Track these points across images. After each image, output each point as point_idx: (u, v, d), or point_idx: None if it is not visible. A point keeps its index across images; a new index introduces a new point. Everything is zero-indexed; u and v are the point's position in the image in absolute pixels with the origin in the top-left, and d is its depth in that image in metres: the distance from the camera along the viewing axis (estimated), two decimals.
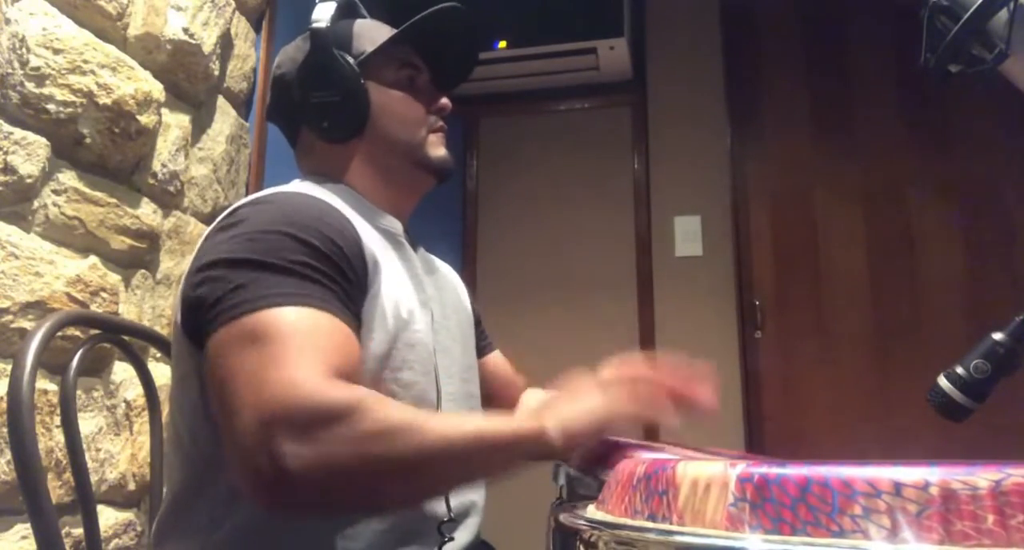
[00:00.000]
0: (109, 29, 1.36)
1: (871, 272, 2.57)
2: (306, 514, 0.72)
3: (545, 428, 0.74)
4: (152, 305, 1.47)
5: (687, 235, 2.72)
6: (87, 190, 1.30)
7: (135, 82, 1.37)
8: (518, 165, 2.97)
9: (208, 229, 0.87)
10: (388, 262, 0.89)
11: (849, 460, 0.50)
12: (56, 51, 1.22)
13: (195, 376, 0.82)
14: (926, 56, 0.83)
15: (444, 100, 1.03)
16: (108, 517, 1.32)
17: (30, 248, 1.19)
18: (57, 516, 0.87)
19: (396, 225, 0.99)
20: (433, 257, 1.11)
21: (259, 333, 0.70)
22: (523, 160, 2.97)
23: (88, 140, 1.29)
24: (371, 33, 1.00)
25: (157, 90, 1.44)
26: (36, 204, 1.22)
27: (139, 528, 1.38)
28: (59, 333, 0.95)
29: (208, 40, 1.59)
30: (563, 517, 0.57)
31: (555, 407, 0.78)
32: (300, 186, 0.94)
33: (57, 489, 1.19)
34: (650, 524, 0.50)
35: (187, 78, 1.56)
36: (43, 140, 1.21)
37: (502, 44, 2.63)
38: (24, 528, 1.13)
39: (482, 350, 1.16)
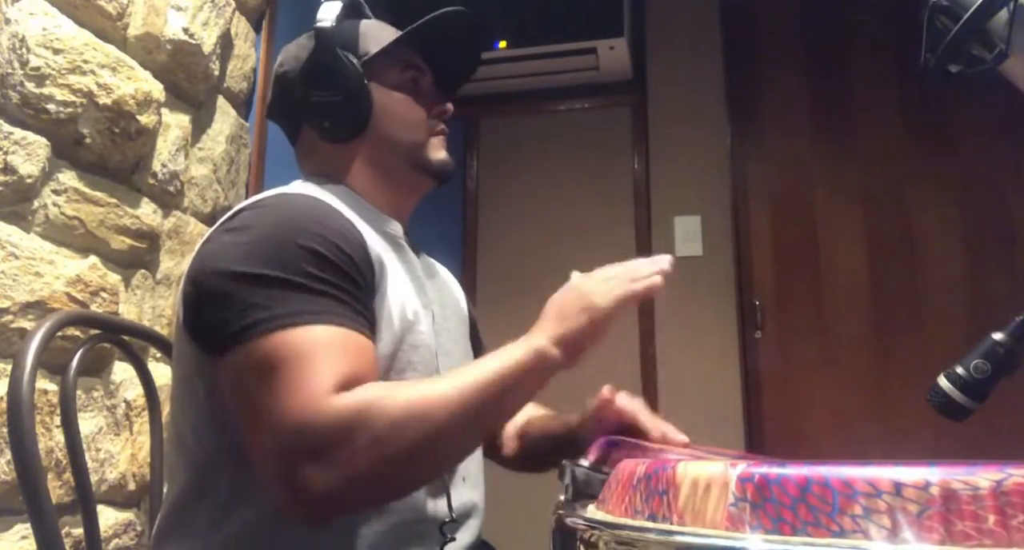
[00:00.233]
0: (109, 29, 1.36)
1: (871, 272, 2.57)
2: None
3: (543, 348, 0.77)
4: (152, 305, 1.47)
5: (687, 235, 2.72)
6: (87, 190, 1.30)
7: (135, 82, 1.37)
8: (518, 165, 2.97)
9: (210, 230, 0.87)
10: (392, 264, 0.90)
11: (849, 460, 0.50)
12: (56, 51, 1.22)
13: (197, 376, 0.82)
14: (926, 56, 0.83)
15: (447, 104, 1.03)
16: (108, 517, 1.32)
17: (30, 248, 1.19)
18: (57, 516, 0.87)
19: (397, 227, 0.99)
20: (432, 260, 1.11)
21: (268, 360, 0.72)
22: (523, 160, 2.97)
23: (88, 140, 1.29)
24: (376, 34, 1.00)
25: (157, 90, 1.44)
26: (36, 204, 1.21)
27: (139, 528, 1.38)
28: (59, 333, 0.95)
29: (208, 40, 1.59)
30: (563, 517, 0.57)
31: (545, 322, 0.81)
32: (301, 188, 0.94)
33: (57, 489, 1.19)
34: (650, 524, 0.50)
35: (187, 78, 1.56)
36: (43, 140, 1.21)
37: (502, 44, 2.63)
38: (24, 528, 1.13)
39: (477, 353, 1.16)
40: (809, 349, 2.56)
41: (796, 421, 2.51)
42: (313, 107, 0.97)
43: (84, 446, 1.03)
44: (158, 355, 1.40)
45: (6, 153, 1.15)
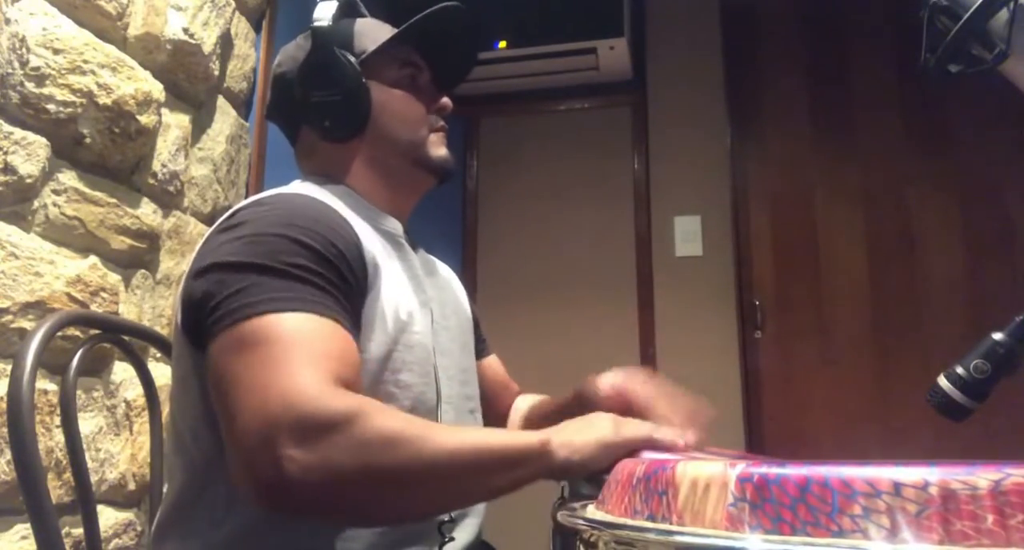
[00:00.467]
0: (109, 29, 1.36)
1: (871, 272, 2.57)
2: (305, 518, 0.73)
3: (549, 443, 0.73)
4: (152, 305, 1.47)
5: (687, 235, 2.72)
6: (87, 190, 1.30)
7: (135, 82, 1.37)
8: (518, 165, 2.97)
9: (209, 231, 0.87)
10: (388, 264, 0.89)
11: (849, 460, 0.50)
12: (56, 51, 1.22)
13: (195, 377, 0.82)
14: (926, 56, 0.83)
15: (445, 99, 1.03)
16: (108, 517, 1.32)
17: (30, 248, 1.19)
18: (57, 516, 0.87)
19: (396, 226, 0.99)
20: (433, 258, 1.11)
21: (260, 338, 0.70)
22: (523, 160, 2.97)
23: (88, 140, 1.29)
24: (372, 32, 1.00)
25: (157, 90, 1.44)
26: (36, 204, 1.22)
27: (139, 528, 1.38)
28: (59, 333, 0.94)
29: (208, 40, 1.59)
30: (563, 517, 0.57)
31: (563, 427, 0.77)
32: (300, 187, 0.94)
33: (57, 489, 1.19)
34: (650, 524, 0.50)
35: (187, 78, 1.56)
36: (43, 140, 1.21)
37: (502, 44, 2.63)
38: (24, 528, 1.13)
39: (479, 353, 1.16)
40: (809, 349, 2.56)
41: (796, 421, 2.51)
42: (312, 107, 0.97)
43: (84, 446, 1.03)
44: (158, 355, 1.40)
45: (6, 153, 1.15)
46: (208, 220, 1.65)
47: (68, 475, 1.16)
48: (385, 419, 0.68)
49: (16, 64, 1.18)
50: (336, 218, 0.85)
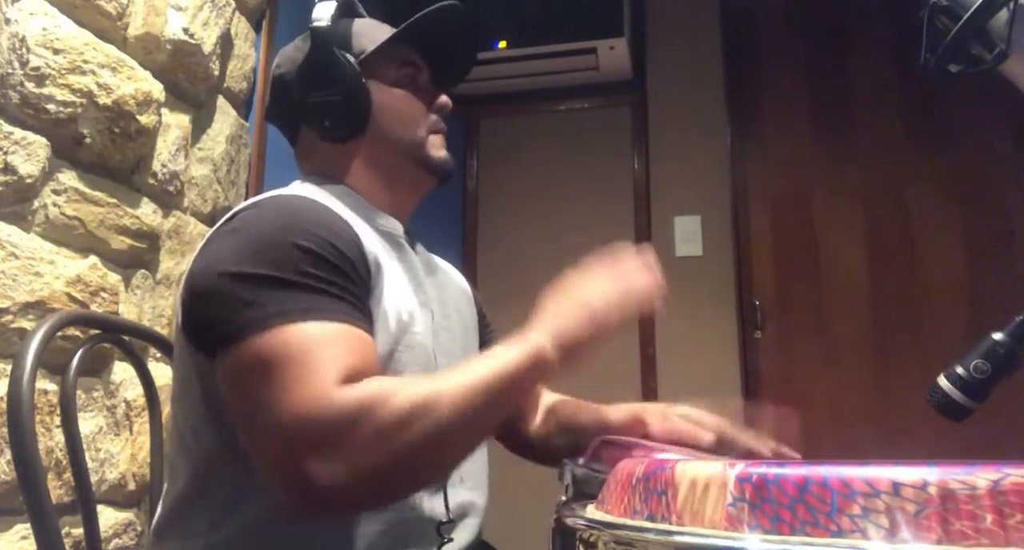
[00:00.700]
0: (109, 29, 1.36)
1: (871, 272, 2.57)
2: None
3: (543, 351, 0.77)
4: (152, 305, 1.47)
5: (687, 235, 2.72)
6: (87, 190, 1.30)
7: (135, 82, 1.37)
8: (518, 165, 2.97)
9: (209, 232, 0.87)
10: (389, 264, 0.89)
11: (848, 460, 0.50)
12: (56, 51, 1.22)
13: (197, 377, 0.82)
14: (926, 56, 0.83)
15: (445, 99, 1.03)
16: (108, 517, 1.32)
17: (30, 248, 1.19)
18: (57, 516, 0.87)
19: (396, 226, 0.99)
20: (434, 256, 1.11)
21: (268, 356, 0.72)
22: (523, 160, 2.97)
23: (88, 140, 1.29)
24: (371, 32, 1.00)
25: (157, 90, 1.44)
26: (36, 204, 1.22)
27: (139, 528, 1.38)
28: (59, 333, 0.95)
29: (208, 40, 1.60)
30: (563, 517, 0.57)
31: (545, 323, 0.80)
32: (300, 188, 0.94)
33: (57, 489, 1.19)
34: (649, 524, 0.50)
35: (187, 78, 1.56)
36: (43, 140, 1.21)
37: (502, 44, 2.63)
38: (24, 528, 1.13)
39: (485, 344, 1.16)
40: (809, 349, 2.56)
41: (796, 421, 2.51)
42: (312, 107, 0.97)
43: (84, 446, 1.03)
44: (158, 355, 1.40)
45: (6, 153, 1.15)
46: (208, 220, 1.65)
47: (68, 475, 1.16)
48: (393, 398, 0.70)
49: (16, 64, 1.18)
50: (336, 219, 0.85)
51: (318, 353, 0.71)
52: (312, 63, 0.96)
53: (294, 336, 0.72)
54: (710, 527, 0.46)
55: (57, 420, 1.17)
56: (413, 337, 0.88)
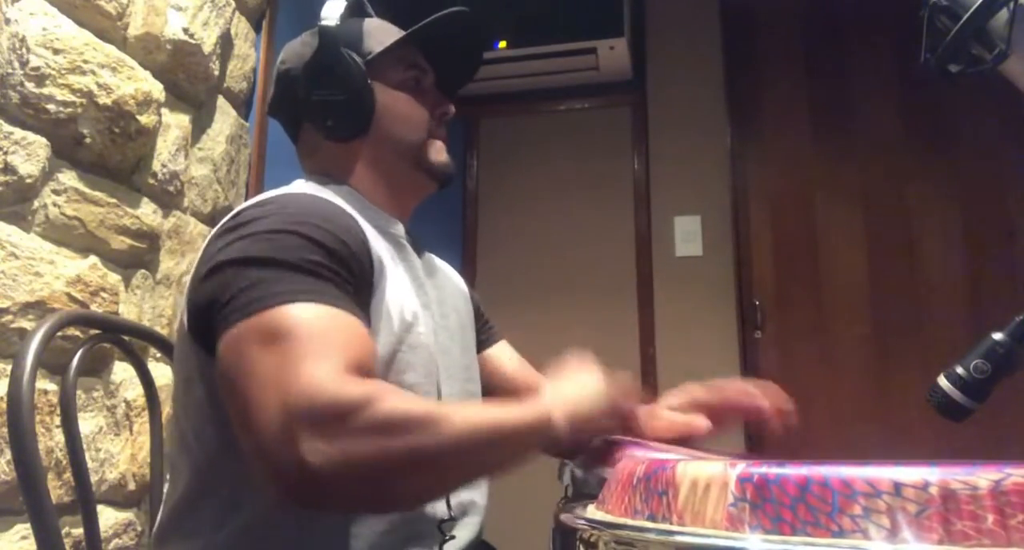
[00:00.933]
0: (109, 29, 1.36)
1: (871, 272, 2.57)
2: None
3: (551, 415, 0.75)
4: (152, 305, 1.47)
5: (687, 235, 2.72)
6: (87, 190, 1.30)
7: (135, 82, 1.37)
8: (518, 165, 2.97)
9: (213, 232, 0.87)
10: (391, 264, 0.90)
11: (849, 460, 0.50)
12: (56, 51, 1.22)
13: (200, 378, 0.82)
14: (926, 56, 0.83)
15: (449, 105, 1.03)
16: (108, 517, 1.32)
17: (30, 248, 1.19)
18: (57, 516, 0.87)
19: (398, 227, 0.99)
20: (433, 256, 1.11)
21: (275, 330, 0.70)
22: (523, 160, 2.97)
23: (88, 140, 1.29)
24: (379, 33, 1.00)
25: (157, 90, 1.44)
26: (36, 204, 1.22)
27: (139, 528, 1.38)
28: (59, 333, 0.94)
29: (208, 40, 1.59)
30: (563, 517, 0.57)
31: (559, 392, 0.79)
32: (303, 187, 0.94)
33: (57, 489, 1.19)
34: (650, 524, 0.50)
35: (187, 78, 1.56)
36: (43, 140, 1.21)
37: (502, 44, 2.63)
38: (24, 528, 1.13)
39: (485, 342, 1.15)
40: (809, 349, 2.56)
41: (796, 421, 2.51)
42: (316, 105, 0.97)
43: (84, 446, 1.03)
44: (158, 355, 1.40)
45: (6, 153, 1.15)
46: (208, 220, 1.65)
47: (68, 475, 1.16)
48: (398, 402, 0.68)
49: (16, 64, 1.18)
50: (344, 215, 0.85)
51: (326, 336, 0.70)
52: (319, 61, 0.96)
53: (300, 314, 0.71)
54: (711, 527, 0.46)
55: (57, 420, 1.16)
56: (417, 337, 0.88)
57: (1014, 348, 0.79)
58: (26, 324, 1.15)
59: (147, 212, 1.44)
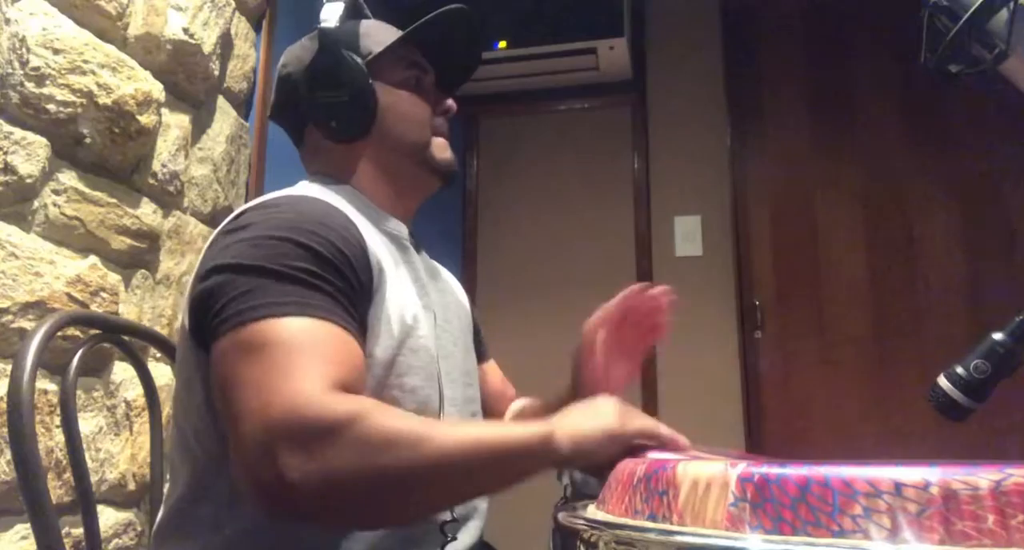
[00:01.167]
0: (109, 29, 1.36)
1: (871, 272, 2.57)
2: (308, 523, 0.72)
3: (553, 434, 0.73)
4: (152, 305, 1.47)
5: (687, 235, 2.72)
6: (87, 190, 1.30)
7: (135, 82, 1.37)
8: (518, 165, 2.97)
9: (214, 233, 0.87)
10: (393, 267, 0.90)
11: (849, 460, 0.50)
12: (56, 51, 1.22)
13: (201, 379, 0.82)
14: (926, 56, 0.83)
15: (451, 102, 1.04)
16: (108, 517, 1.32)
17: (30, 248, 1.19)
18: (57, 516, 0.87)
19: (401, 228, 1.00)
20: (435, 262, 1.12)
21: (262, 343, 0.70)
22: (523, 160, 2.97)
23: (88, 140, 1.29)
24: (378, 34, 1.01)
25: (157, 90, 1.44)
26: (36, 204, 1.22)
27: (139, 528, 1.38)
28: (59, 333, 0.94)
29: (208, 40, 1.59)
30: (563, 517, 0.57)
31: (566, 416, 0.77)
32: (306, 189, 0.94)
33: (57, 489, 1.19)
34: (650, 524, 0.50)
35: (187, 78, 1.56)
36: (43, 140, 1.21)
37: (502, 44, 2.63)
38: (24, 528, 1.13)
39: (479, 357, 1.16)
40: (809, 349, 2.56)
41: (796, 421, 2.51)
42: (319, 107, 0.97)
43: (84, 446, 1.03)
44: (158, 355, 1.40)
45: (6, 153, 1.15)
46: (208, 220, 1.65)
47: (68, 475, 1.16)
48: (384, 420, 0.68)
49: (16, 64, 1.18)
50: (342, 220, 0.85)
51: (312, 350, 0.70)
52: (320, 63, 0.96)
53: (288, 328, 0.71)
54: (711, 527, 0.46)
55: (57, 420, 1.16)
56: (418, 340, 0.88)
57: (1014, 348, 0.79)
58: (26, 324, 1.15)
59: (147, 212, 1.44)
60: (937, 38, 0.82)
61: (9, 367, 0.92)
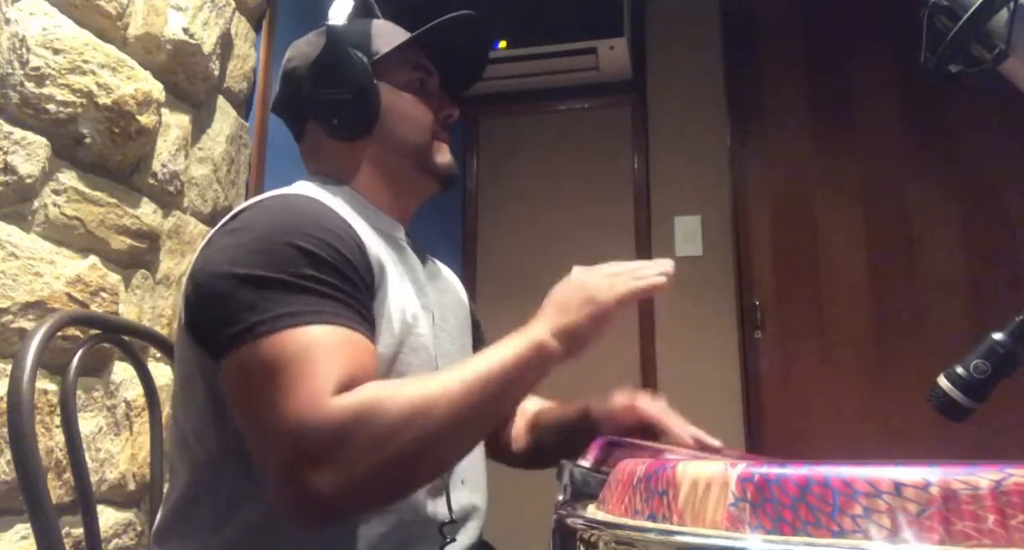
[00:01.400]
0: (109, 29, 1.36)
1: (871, 272, 2.57)
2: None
3: (543, 338, 0.77)
4: (152, 305, 1.47)
5: (687, 235, 2.72)
6: (87, 190, 1.30)
7: (135, 82, 1.37)
8: (518, 165, 2.97)
9: (211, 231, 0.87)
10: (391, 266, 0.90)
11: (849, 460, 0.50)
12: (56, 51, 1.22)
13: (199, 378, 0.82)
14: (926, 56, 0.83)
15: (454, 108, 1.04)
16: (108, 517, 1.32)
17: (30, 248, 1.19)
18: (57, 516, 0.87)
19: (398, 228, 1.00)
20: (435, 261, 1.12)
21: (271, 360, 0.72)
22: (523, 160, 2.97)
23: (88, 140, 1.29)
24: (386, 34, 1.01)
25: (157, 90, 1.44)
26: (36, 204, 1.21)
27: (139, 528, 1.38)
28: (59, 333, 0.94)
29: (208, 40, 1.59)
30: (563, 517, 0.57)
31: (546, 314, 0.80)
32: (303, 188, 0.94)
33: (57, 489, 1.19)
34: (650, 524, 0.50)
35: (187, 78, 1.56)
36: (43, 140, 1.21)
37: (502, 44, 2.63)
38: (24, 528, 1.13)
39: (479, 349, 1.16)
40: (809, 349, 2.56)
41: (796, 421, 2.51)
42: (321, 104, 0.97)
43: (84, 446, 1.03)
44: (158, 355, 1.40)
45: (6, 153, 1.15)
46: (208, 220, 1.65)
47: (68, 475, 1.16)
48: (389, 404, 0.70)
49: (16, 64, 1.18)
50: (339, 221, 0.85)
51: (316, 360, 0.72)
52: (325, 60, 0.96)
53: (296, 341, 0.72)
54: (711, 527, 0.46)
55: (57, 420, 1.16)
56: (417, 339, 0.88)
57: (1014, 348, 0.79)
58: (26, 324, 1.15)
59: (147, 212, 1.44)
60: (937, 38, 0.82)
61: (9, 367, 0.92)
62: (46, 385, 1.19)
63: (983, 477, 0.40)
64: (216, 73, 1.65)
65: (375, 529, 0.81)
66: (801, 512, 0.42)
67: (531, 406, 1.18)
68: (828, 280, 2.60)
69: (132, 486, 1.37)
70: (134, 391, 1.38)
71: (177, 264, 1.55)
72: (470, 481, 0.94)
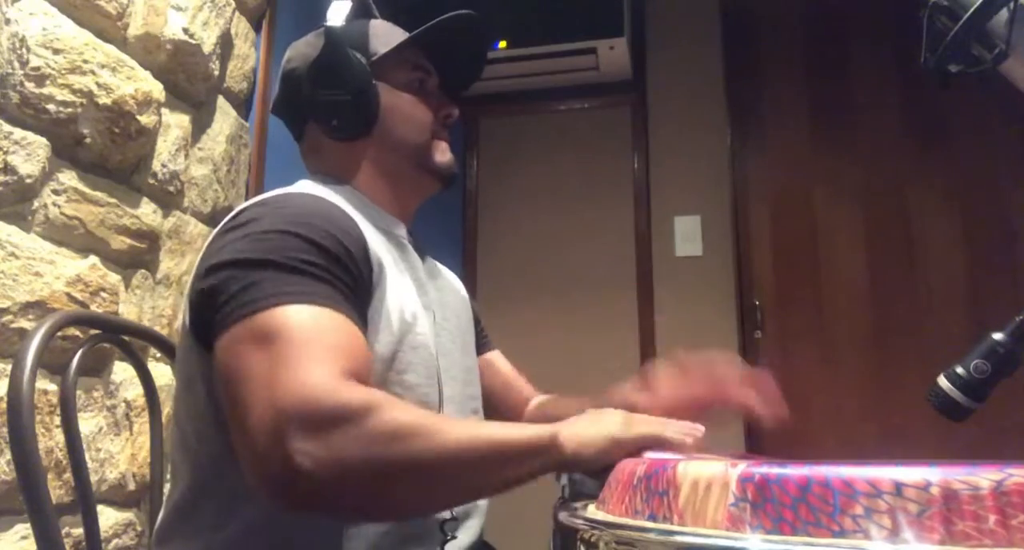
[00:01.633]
0: (109, 29, 1.36)
1: (871, 272, 2.57)
2: (316, 513, 0.72)
3: (559, 436, 0.73)
4: (152, 305, 1.47)
5: (687, 235, 2.71)
6: (87, 190, 1.30)
7: (135, 82, 1.37)
8: (518, 165, 2.97)
9: (214, 231, 0.87)
10: (392, 265, 0.90)
11: (849, 460, 0.50)
12: (56, 51, 1.22)
13: (202, 378, 0.82)
14: (926, 56, 0.83)
15: (453, 108, 1.04)
16: (108, 517, 1.32)
17: (30, 248, 1.19)
18: (57, 516, 0.87)
19: (400, 228, 1.00)
20: (436, 262, 1.12)
21: (271, 331, 0.70)
22: (523, 160, 2.97)
23: (88, 140, 1.29)
24: (385, 34, 1.01)
25: (157, 90, 1.44)
26: (36, 204, 1.21)
27: (139, 528, 1.38)
28: (59, 333, 0.94)
29: (208, 40, 1.59)
30: (563, 517, 0.57)
31: (573, 421, 0.78)
32: (305, 187, 0.94)
33: (57, 489, 1.19)
34: (651, 524, 0.50)
35: (187, 78, 1.56)
36: (43, 140, 1.21)
37: (502, 44, 2.62)
38: (24, 528, 1.13)
39: (479, 349, 1.16)
40: (809, 349, 2.56)
41: (796, 421, 2.51)
42: (321, 104, 0.97)
43: (84, 446, 1.03)
44: (158, 355, 1.40)
45: (6, 153, 1.15)
46: (208, 220, 1.65)
47: (68, 475, 1.16)
48: (397, 412, 0.68)
49: (16, 64, 1.18)
50: (343, 217, 0.85)
51: (323, 338, 0.70)
52: (324, 61, 0.96)
53: (296, 317, 0.71)
54: (712, 527, 0.46)
55: (57, 420, 1.16)
56: (417, 338, 0.88)
57: (1014, 348, 0.79)
58: (26, 324, 1.15)
59: (147, 212, 1.44)
60: (937, 38, 0.82)
61: (9, 367, 0.92)
62: (46, 385, 1.19)
63: (984, 477, 0.40)
64: (216, 73, 1.65)
65: (376, 527, 0.81)
66: (802, 512, 0.42)
67: (533, 400, 1.17)
68: (828, 280, 2.60)
69: (132, 486, 1.37)
70: (134, 391, 1.38)
71: (177, 264, 1.55)
72: None
